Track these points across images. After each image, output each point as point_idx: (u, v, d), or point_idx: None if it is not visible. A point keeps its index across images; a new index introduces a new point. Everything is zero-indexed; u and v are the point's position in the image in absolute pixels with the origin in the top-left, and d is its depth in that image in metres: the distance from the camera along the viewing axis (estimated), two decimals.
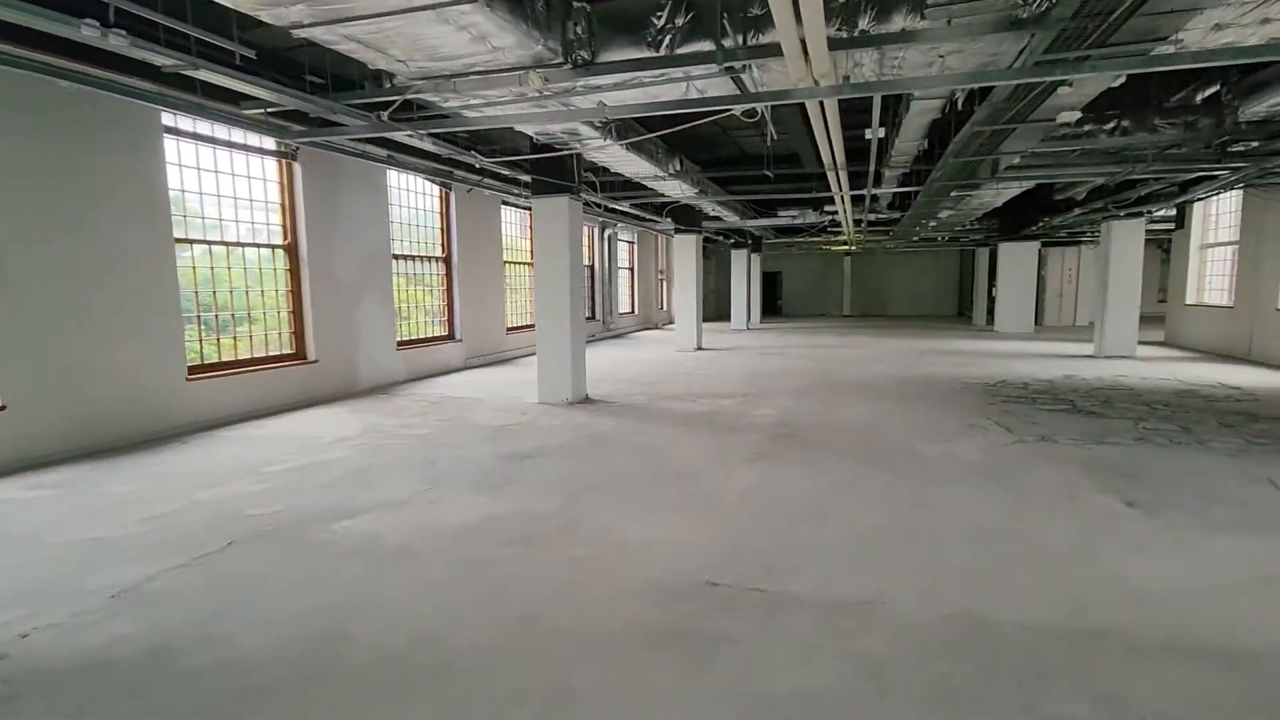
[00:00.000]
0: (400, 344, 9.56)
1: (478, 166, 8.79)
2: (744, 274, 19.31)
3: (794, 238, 21.82)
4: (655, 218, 13.41)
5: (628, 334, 18.06)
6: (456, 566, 3.33)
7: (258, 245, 7.30)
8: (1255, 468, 4.80)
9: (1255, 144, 6.76)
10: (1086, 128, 6.99)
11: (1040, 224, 15.13)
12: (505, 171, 8.88)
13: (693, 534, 3.72)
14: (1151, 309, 23.52)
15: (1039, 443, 5.59)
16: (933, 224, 13.84)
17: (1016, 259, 16.68)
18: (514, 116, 5.05)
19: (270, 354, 7.49)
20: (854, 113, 7.53)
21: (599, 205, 10.49)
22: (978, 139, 6.70)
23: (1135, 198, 10.34)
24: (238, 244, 7.06)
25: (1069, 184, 11.89)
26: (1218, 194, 10.36)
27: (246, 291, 7.19)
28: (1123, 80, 4.62)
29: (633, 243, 19.51)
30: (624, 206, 11.93)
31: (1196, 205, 12.44)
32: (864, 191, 9.53)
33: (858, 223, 15.73)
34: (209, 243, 6.78)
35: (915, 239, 18.72)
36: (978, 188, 8.90)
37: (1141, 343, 12.01)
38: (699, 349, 13.44)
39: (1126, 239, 11.07)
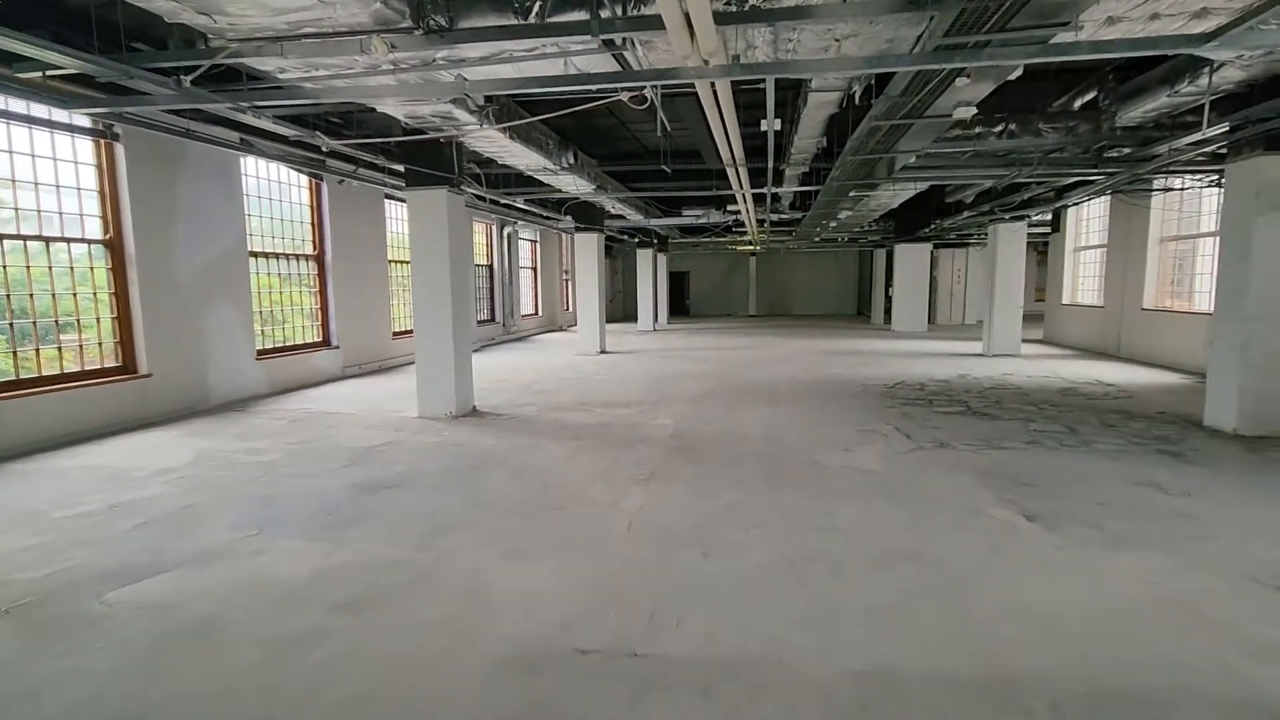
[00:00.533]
0: (261, 353, 8.50)
1: (344, 154, 7.92)
2: (650, 274, 19.00)
3: (700, 237, 21.76)
4: (555, 215, 12.80)
5: (530, 336, 17.35)
6: (270, 646, 2.65)
7: (67, 240, 6.15)
8: (1139, 469, 4.80)
9: (1128, 150, 6.99)
10: (977, 129, 7.01)
11: (933, 226, 15.65)
12: (382, 162, 8.04)
13: (568, 581, 3.20)
14: (1031, 308, 25.23)
15: (938, 449, 5.44)
16: (833, 224, 14.00)
17: (911, 260, 17.22)
18: (359, 90, 4.35)
19: (89, 368, 6.35)
20: (753, 108, 7.26)
21: (487, 200, 9.77)
22: (875, 135, 6.55)
23: (1018, 201, 10.72)
24: (37, 238, 5.90)
25: (959, 187, 12.26)
26: (1090, 199, 10.90)
27: (54, 295, 6.03)
28: (1019, 73, 4.49)
29: (535, 241, 18.79)
30: (519, 203, 11.26)
31: (1070, 210, 13.17)
32: (765, 190, 9.33)
33: (761, 223, 15.74)
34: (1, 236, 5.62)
35: (817, 239, 19.04)
36: (875, 188, 8.89)
37: (1024, 340, 12.56)
38: (602, 352, 12.95)
39: (1011, 241, 11.50)
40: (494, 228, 15.61)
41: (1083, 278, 13.44)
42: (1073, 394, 7.90)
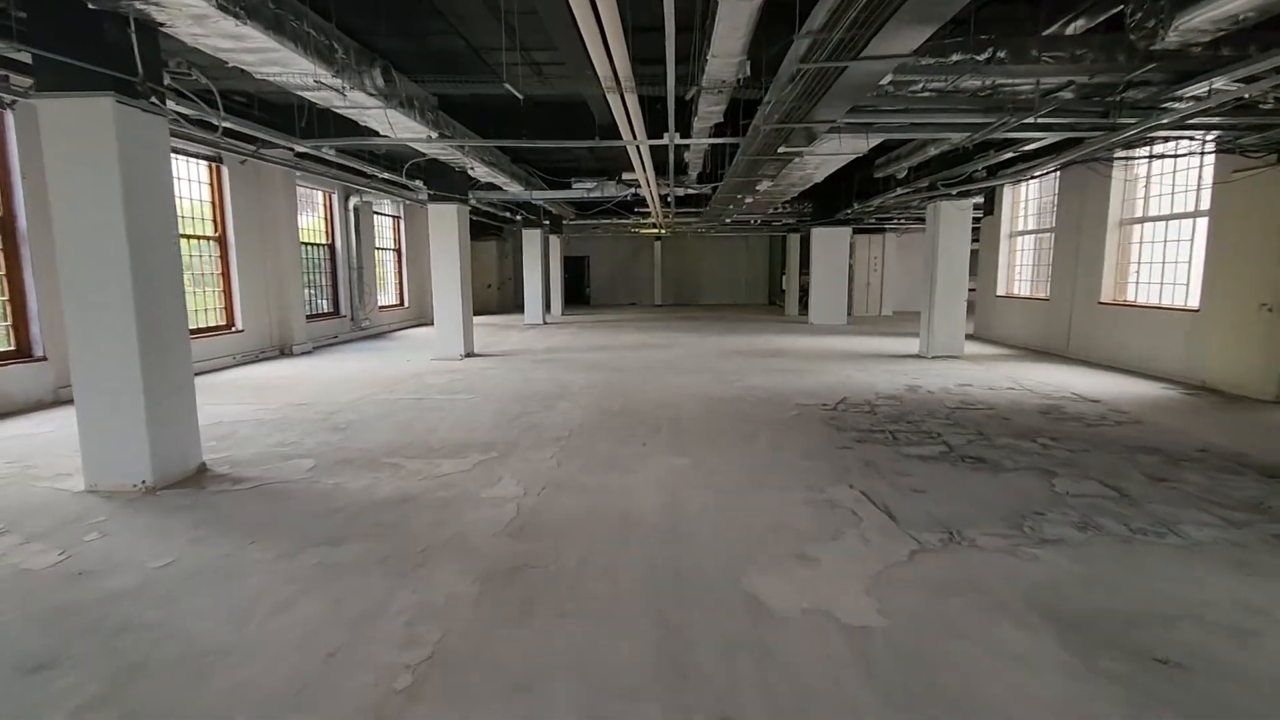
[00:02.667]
0: None
1: None
2: (539, 258, 16.33)
3: (600, 219, 19.29)
4: (400, 180, 9.90)
5: (390, 333, 14.30)
6: None
7: None
8: None
9: (1156, 87, 5.10)
10: (954, 58, 4.94)
11: (855, 207, 13.89)
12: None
13: None
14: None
15: (947, 549, 3.26)
16: (748, 202, 11.88)
17: (830, 246, 15.49)
18: None
19: None
20: (649, 32, 4.84)
21: (220, 129, 6.82)
22: (818, 51, 4.27)
23: (969, 173, 8.93)
24: None
25: (894, 158, 10.40)
26: (1059, 168, 9.26)
27: None
28: None
29: (399, 217, 15.65)
30: (329, 154, 8.34)
31: (1006, 189, 11.67)
32: (666, 143, 6.95)
33: (665, 200, 13.45)
34: None
35: (728, 221, 16.99)
36: (813, 140, 6.70)
37: None
38: (467, 356, 10.23)
39: (954, 223, 9.74)
40: (335, 197, 12.44)
41: (1019, 266, 12.03)
42: (1061, 417, 6.05)
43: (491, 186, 11.87)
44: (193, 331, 8.79)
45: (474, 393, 7.25)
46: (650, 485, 4.23)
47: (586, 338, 13.08)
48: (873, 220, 16.64)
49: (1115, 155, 7.80)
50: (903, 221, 17.06)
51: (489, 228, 19.19)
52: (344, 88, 5.12)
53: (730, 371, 8.72)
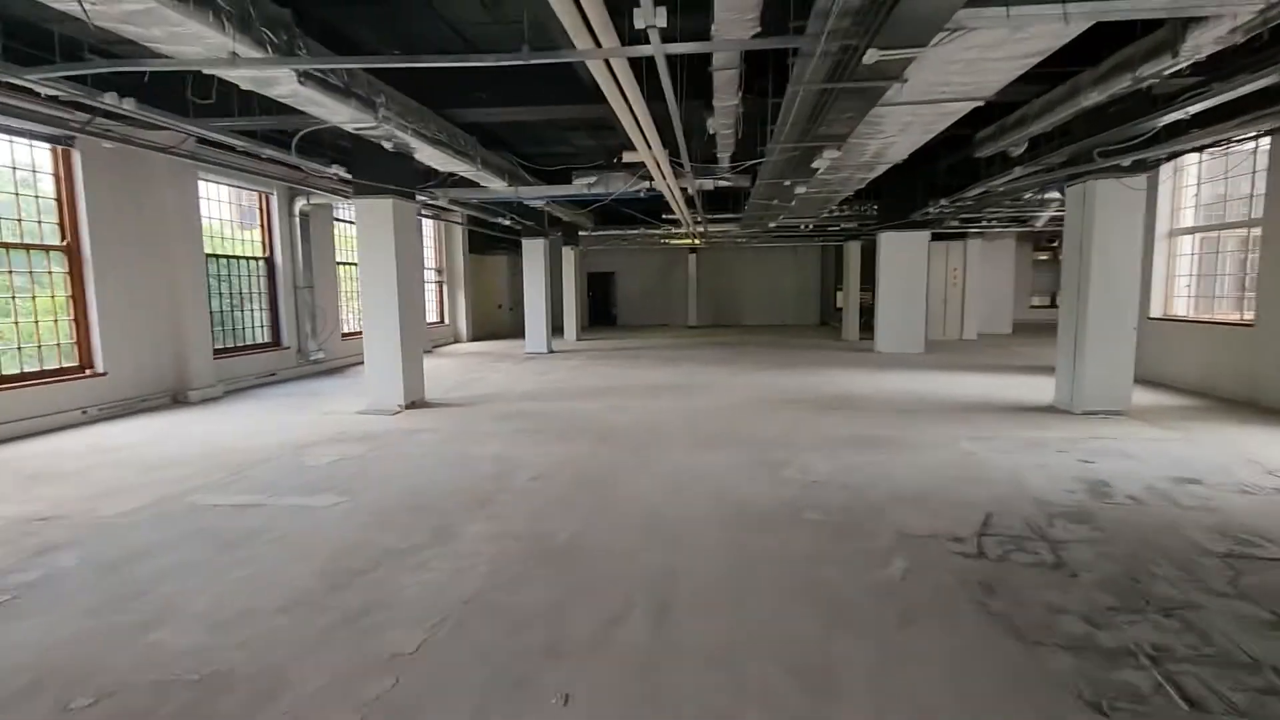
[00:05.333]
0: None
1: None
2: (541, 274, 13.56)
3: (624, 228, 16.51)
4: (318, 165, 7.20)
5: (353, 366, 11.66)
6: None
7: None
8: None
9: None
10: None
11: (942, 204, 10.70)
12: None
13: None
14: (1024, 316, 20.82)
15: None
16: (798, 192, 8.86)
17: (902, 254, 12.27)
18: None
19: None
20: None
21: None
22: None
23: (1150, 130, 5.74)
24: None
25: (1004, 131, 7.26)
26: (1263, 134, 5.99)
27: None
28: None
29: None
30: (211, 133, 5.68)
31: (1164, 169, 8.33)
32: (648, 50, 4.00)
33: (690, 201, 10.52)
34: None
35: (771, 227, 13.94)
36: (878, 99, 3.68)
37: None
38: (410, 405, 7.43)
39: (1119, 211, 6.45)
40: (273, 199, 9.92)
41: (1180, 277, 8.64)
42: None
43: (459, 180, 9.15)
44: (7, 379, 6.27)
45: (350, 493, 4.38)
46: None
47: (590, 375, 10.17)
48: (954, 223, 13.35)
49: None
50: (992, 224, 13.72)
51: (499, 240, 16.57)
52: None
53: (776, 442, 5.66)
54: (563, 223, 14.93)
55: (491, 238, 16.23)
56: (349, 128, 5.93)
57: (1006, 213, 12.32)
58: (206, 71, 4.29)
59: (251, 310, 9.76)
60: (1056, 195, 10.41)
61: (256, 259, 9.85)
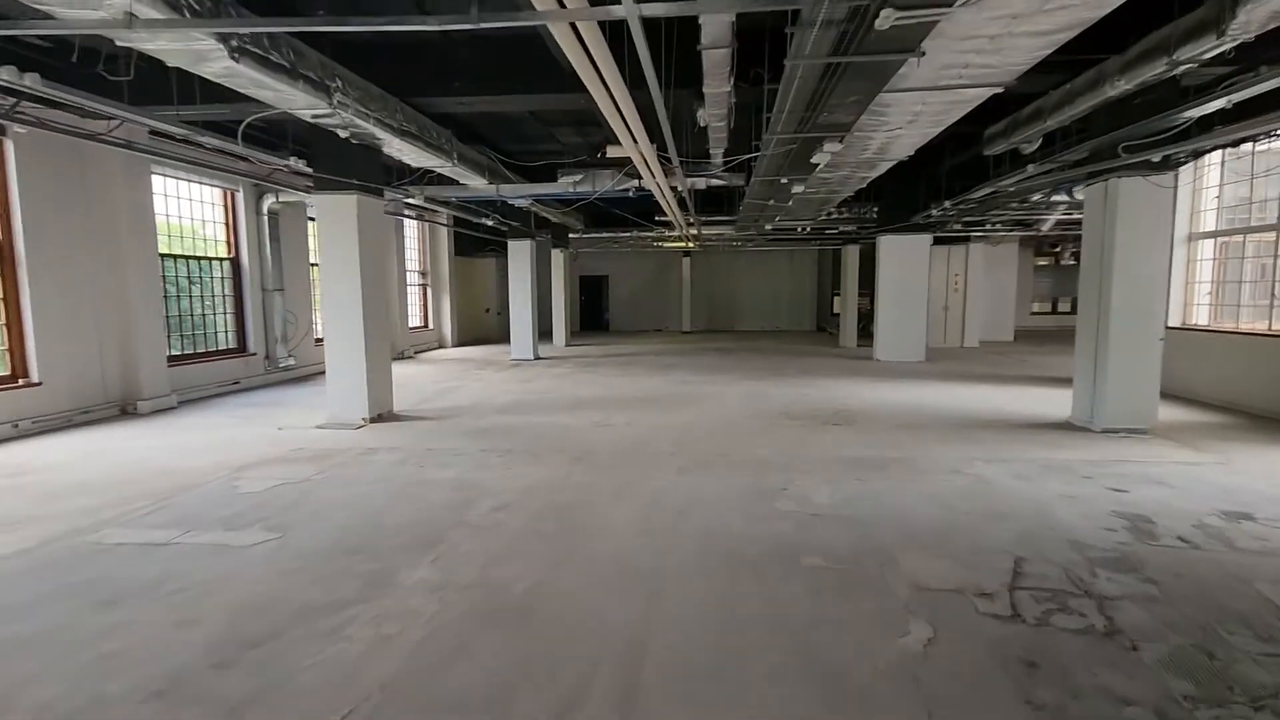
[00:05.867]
0: None
1: None
2: (527, 278, 13.00)
3: (615, 231, 15.96)
4: (271, 157, 6.62)
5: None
6: None
7: None
8: None
9: None
10: None
11: (945, 205, 10.20)
12: None
13: None
14: (1025, 322, 20.32)
15: None
16: (795, 191, 8.33)
17: (903, 258, 11.78)
18: None
19: None
20: None
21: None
22: None
23: (1181, 124, 5.23)
24: None
25: (1017, 126, 6.75)
26: None
27: None
28: None
29: None
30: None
31: (1183, 171, 7.82)
32: (659, 100, 3.45)
33: (682, 201, 9.99)
34: None
35: (767, 229, 13.41)
36: (888, 76, 3.15)
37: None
38: (375, 419, 6.85)
39: (1145, 211, 5.92)
40: (239, 196, 9.34)
41: (1199, 284, 8.14)
42: None
43: (443, 180, 8.61)
44: None
45: (280, 529, 3.80)
46: None
47: (576, 384, 9.61)
48: (957, 227, 12.84)
49: None
50: (996, 227, 13.23)
51: (487, 242, 16.00)
52: None
53: (772, 463, 5.11)
54: (551, 224, 14.37)
55: (480, 239, 15.65)
56: (305, 116, 5.38)
57: (1011, 216, 11.82)
58: (121, 43, 3.73)
59: (215, 314, 9.17)
60: (1063, 198, 9.92)
61: (221, 260, 9.26)
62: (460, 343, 16.46)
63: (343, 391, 6.77)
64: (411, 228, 14.87)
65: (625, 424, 6.70)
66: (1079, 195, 9.37)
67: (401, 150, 6.86)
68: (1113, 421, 6.05)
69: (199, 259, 8.89)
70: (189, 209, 8.75)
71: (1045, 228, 12.94)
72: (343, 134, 5.93)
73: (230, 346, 9.40)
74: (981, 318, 15.27)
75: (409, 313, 14.51)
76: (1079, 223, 13.03)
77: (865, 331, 15.26)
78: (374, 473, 4.98)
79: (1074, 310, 21.46)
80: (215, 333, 9.18)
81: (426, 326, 15.63)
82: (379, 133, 6.03)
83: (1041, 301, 20.94)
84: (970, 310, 14.79)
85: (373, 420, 6.82)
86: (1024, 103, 6.58)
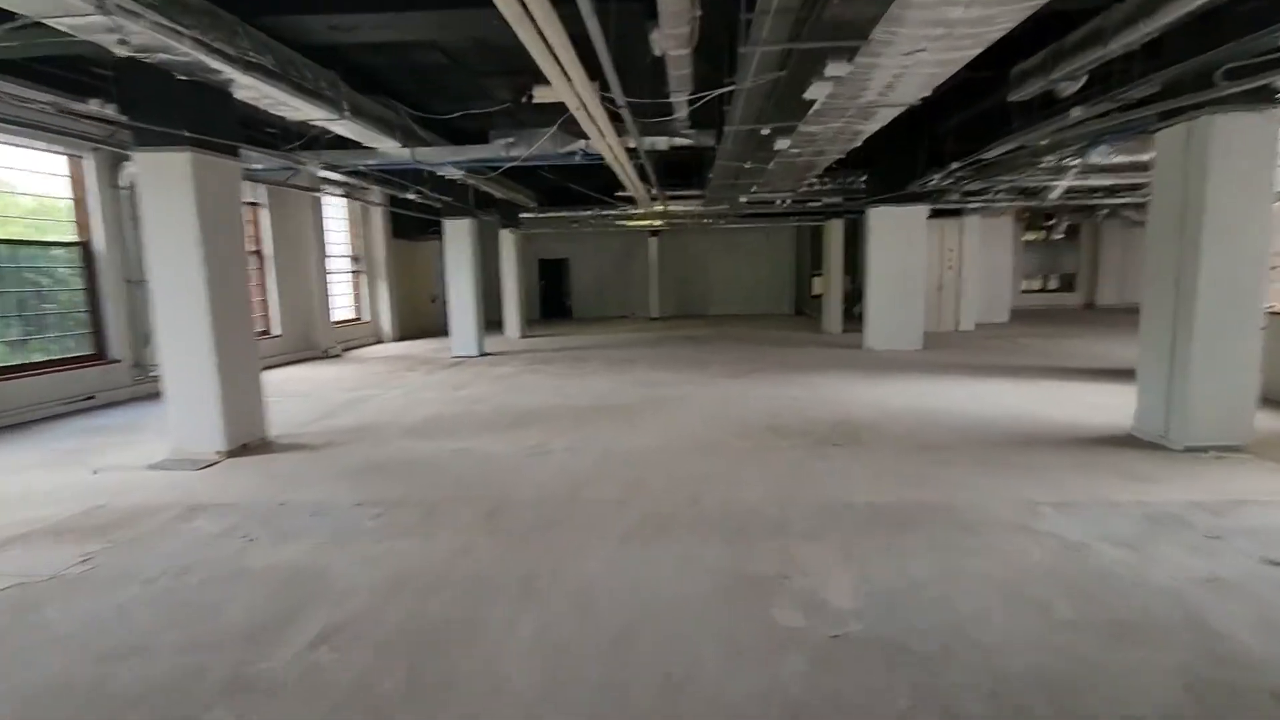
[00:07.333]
0: None
1: None
2: (466, 260, 11.28)
3: (575, 209, 14.23)
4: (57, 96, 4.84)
5: None
6: None
7: None
8: None
9: None
10: None
11: (953, 169, 8.74)
12: None
13: None
14: (1018, 302, 19.01)
15: None
16: (774, 159, 6.77)
17: (897, 233, 10.33)
18: None
19: None
20: None
21: None
22: None
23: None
24: None
25: (1056, 59, 5.26)
26: None
27: None
28: None
29: (257, 204, 10.64)
30: None
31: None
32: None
33: (642, 169, 8.36)
34: None
35: (743, 201, 11.83)
36: None
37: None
38: (233, 452, 5.17)
39: (1244, 162, 4.47)
40: (88, 165, 7.47)
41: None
42: None
43: (345, 144, 6.87)
44: None
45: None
46: None
47: (518, 389, 7.99)
48: (954, 197, 11.41)
49: None
50: (998, 196, 11.81)
51: (431, 224, 14.12)
52: None
53: (760, 518, 3.59)
54: (497, 200, 12.60)
55: (423, 221, 13.77)
56: (64, 25, 3.64)
57: (1019, 183, 10.42)
58: None
59: (61, 315, 7.34)
60: (1085, 160, 8.54)
61: (66, 245, 7.41)
62: (402, 336, 14.67)
63: (185, 417, 5.08)
64: (336, 206, 12.99)
65: (566, 451, 5.12)
66: (1115, 157, 7.99)
67: (261, 94, 5.13)
68: (1198, 436, 4.64)
69: (29, 244, 7.04)
70: (29, 183, 6.89)
71: (1054, 195, 11.54)
72: (147, 60, 4.18)
73: (85, 353, 7.57)
74: (977, 298, 13.94)
75: (336, 305, 12.69)
76: (1086, 190, 11.71)
77: (850, 315, 13.85)
78: (170, 556, 3.33)
79: (1065, 288, 20.48)
80: (62, 337, 7.35)
81: (359, 319, 13.82)
82: (212, 62, 4.30)
83: (1029, 279, 19.74)
84: (965, 290, 13.44)
85: (232, 453, 5.15)
86: (1064, 31, 5.11)
